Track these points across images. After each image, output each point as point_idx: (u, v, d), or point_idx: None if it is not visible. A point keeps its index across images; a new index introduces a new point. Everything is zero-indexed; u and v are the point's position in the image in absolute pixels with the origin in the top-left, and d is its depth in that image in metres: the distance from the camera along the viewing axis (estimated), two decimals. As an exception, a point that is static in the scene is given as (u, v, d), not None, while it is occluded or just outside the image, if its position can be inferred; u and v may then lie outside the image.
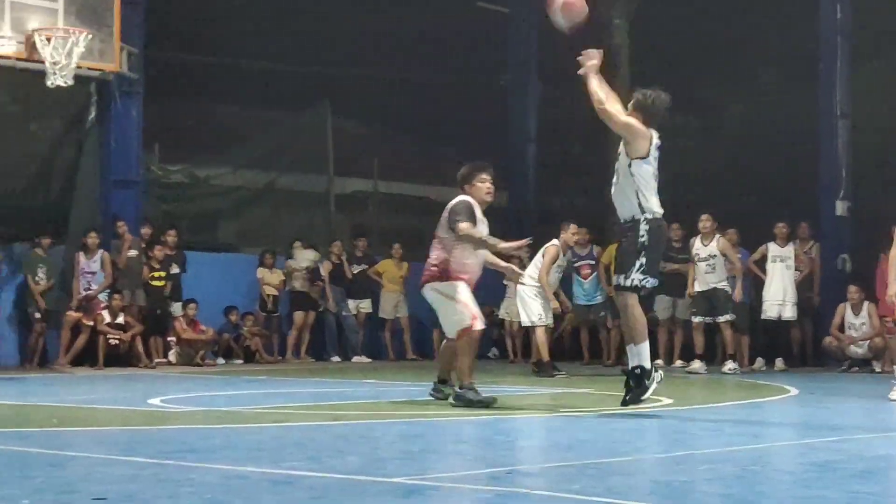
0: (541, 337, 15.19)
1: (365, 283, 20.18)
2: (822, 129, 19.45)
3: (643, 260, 8.73)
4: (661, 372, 8.97)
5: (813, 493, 5.20)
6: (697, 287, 16.46)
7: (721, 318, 16.38)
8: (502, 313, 19.65)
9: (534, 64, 23.29)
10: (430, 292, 9.84)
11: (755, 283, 17.67)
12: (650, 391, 8.76)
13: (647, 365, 8.73)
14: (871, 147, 19.29)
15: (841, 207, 19.01)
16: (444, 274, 9.73)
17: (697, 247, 16.55)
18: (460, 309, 9.59)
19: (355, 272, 20.12)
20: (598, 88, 9.17)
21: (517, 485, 5.28)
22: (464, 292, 9.63)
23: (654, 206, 8.83)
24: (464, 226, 9.57)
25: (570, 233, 15.92)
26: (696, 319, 16.70)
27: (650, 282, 8.81)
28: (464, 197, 9.87)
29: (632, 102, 9.11)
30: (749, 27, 20.89)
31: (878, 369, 16.71)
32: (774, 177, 20.03)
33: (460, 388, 9.46)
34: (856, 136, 19.24)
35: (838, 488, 5.23)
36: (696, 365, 16.39)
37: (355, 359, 19.66)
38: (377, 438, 7.61)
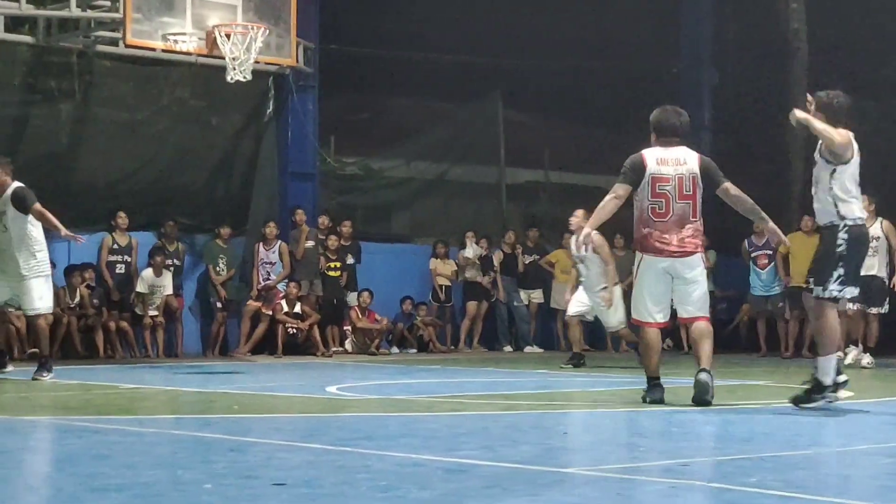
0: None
1: (537, 274, 20.18)
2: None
3: (841, 270, 8.44)
4: (837, 395, 8.62)
5: None
6: None
7: (874, 310, 15.47)
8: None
9: (707, 51, 22.94)
10: (701, 265, 8.92)
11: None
12: (815, 404, 8.48)
13: (826, 382, 8.45)
14: None
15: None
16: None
17: None
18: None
19: (527, 262, 20.15)
20: (820, 126, 8.45)
21: (693, 477, 5.22)
22: None
23: (855, 211, 8.51)
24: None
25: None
26: (853, 307, 15.07)
27: (849, 291, 8.59)
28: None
29: (814, 104, 8.70)
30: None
31: None
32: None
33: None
34: None
35: None
36: (866, 359, 15.41)
37: (527, 349, 19.67)
38: (550, 428, 7.61)
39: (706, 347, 8.70)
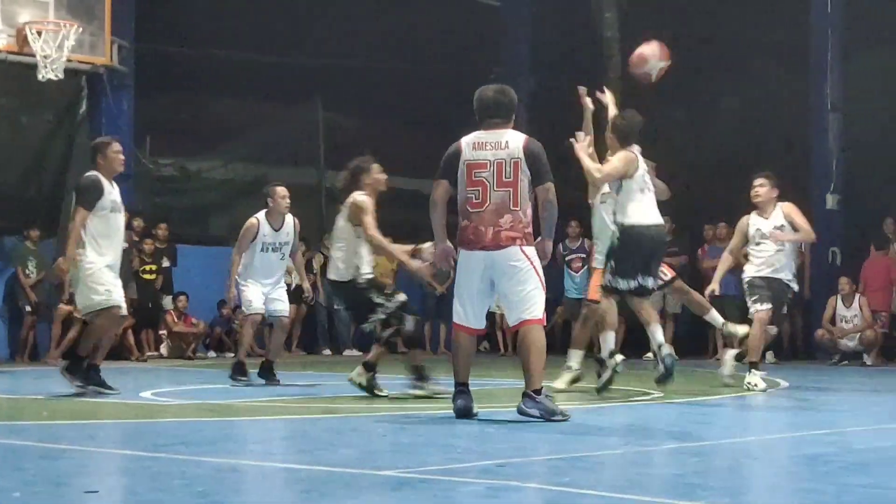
0: None
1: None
2: (814, 123, 19.48)
3: (613, 265, 10.08)
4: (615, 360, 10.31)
5: (804, 485, 5.22)
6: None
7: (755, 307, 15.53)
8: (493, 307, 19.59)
9: (526, 57, 23.29)
10: (523, 260, 7.89)
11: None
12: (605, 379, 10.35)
13: (604, 356, 10.46)
14: (863, 141, 19.33)
15: (831, 201, 19.06)
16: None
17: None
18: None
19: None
20: (590, 165, 10.21)
21: (509, 477, 5.29)
22: None
23: (633, 216, 9.94)
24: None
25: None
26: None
27: (622, 283, 10.04)
28: None
29: (609, 127, 10.38)
30: (741, 18, 20.89)
31: (868, 362, 16.75)
32: (766, 170, 20.02)
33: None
34: (848, 129, 19.27)
35: (829, 481, 5.24)
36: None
37: (346, 352, 19.65)
38: (369, 431, 7.61)
39: (532, 361, 7.76)
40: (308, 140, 22.07)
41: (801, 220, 11.57)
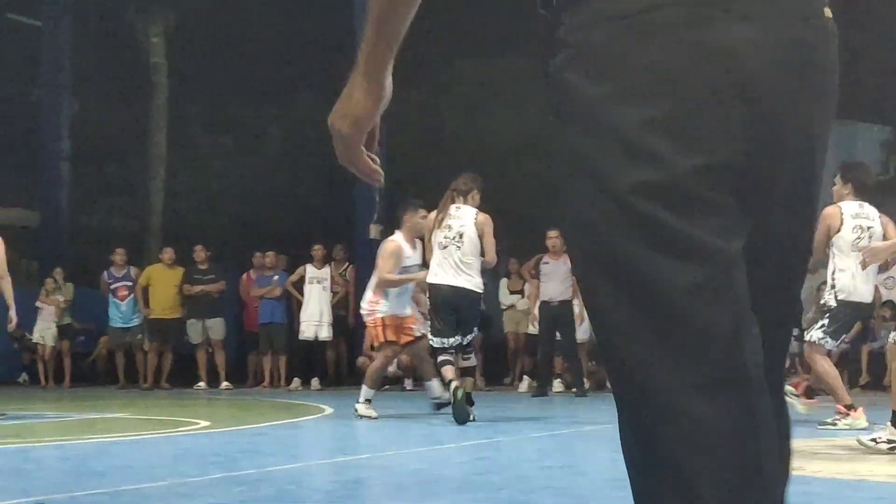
0: None
1: None
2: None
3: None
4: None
5: (347, 509, 5.30)
6: None
7: None
8: (36, 336, 18.81)
9: (67, 79, 22.56)
10: None
11: (293, 305, 17.91)
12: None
13: None
14: (404, 173, 20.07)
15: (375, 231, 19.65)
16: None
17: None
18: None
19: None
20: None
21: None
22: None
23: None
24: None
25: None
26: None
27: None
28: None
29: None
30: (287, 46, 21.19)
31: (408, 387, 17.36)
32: (312, 200, 20.45)
33: None
34: (391, 164, 19.96)
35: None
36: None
37: None
38: None
39: None
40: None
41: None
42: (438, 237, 10.13)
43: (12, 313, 11.30)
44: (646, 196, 1.69)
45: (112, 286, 18.01)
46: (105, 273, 18.12)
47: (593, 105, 1.73)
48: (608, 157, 1.72)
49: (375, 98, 1.95)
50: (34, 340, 18.93)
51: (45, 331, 18.40)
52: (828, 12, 1.82)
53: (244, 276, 18.47)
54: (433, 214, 10.35)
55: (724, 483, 1.66)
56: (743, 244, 1.74)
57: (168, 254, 18.04)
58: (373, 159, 2.03)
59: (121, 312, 18.13)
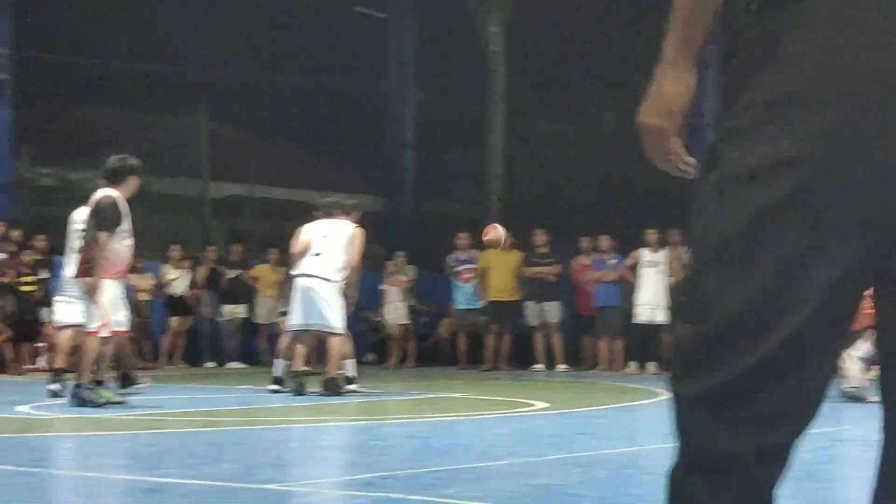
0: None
1: (240, 289, 19.99)
2: (692, 136, 19.79)
3: None
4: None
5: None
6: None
7: None
8: (384, 318, 19.58)
9: (412, 69, 23.33)
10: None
11: (628, 288, 17.90)
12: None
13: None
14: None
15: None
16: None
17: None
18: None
19: (230, 277, 19.93)
20: None
21: (392, 490, 5.28)
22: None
23: None
24: None
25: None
26: None
27: None
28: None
29: None
30: (621, 32, 21.14)
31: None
32: (648, 184, 20.34)
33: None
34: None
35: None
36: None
37: (229, 364, 19.46)
38: (251, 445, 7.55)
39: None
40: (191, 150, 21.85)
41: None
42: None
43: (353, 298, 11.78)
44: None
45: (456, 269, 18.54)
46: (449, 257, 18.69)
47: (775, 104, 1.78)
48: None
49: (686, 86, 1.96)
50: (380, 321, 19.72)
51: (391, 312, 19.13)
52: None
53: (579, 259, 18.60)
54: None
55: None
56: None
57: (506, 238, 18.37)
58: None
59: (465, 295, 18.64)
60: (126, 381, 11.41)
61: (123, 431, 8.46)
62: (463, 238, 18.72)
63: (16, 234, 17.91)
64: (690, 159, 2.05)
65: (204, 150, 21.94)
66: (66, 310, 10.98)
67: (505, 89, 21.67)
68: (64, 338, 11.05)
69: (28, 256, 17.66)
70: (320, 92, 22.73)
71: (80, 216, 10.71)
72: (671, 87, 1.96)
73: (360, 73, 23.11)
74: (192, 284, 19.34)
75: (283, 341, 12.04)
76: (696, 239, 1.89)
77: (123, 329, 10.19)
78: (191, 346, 19.69)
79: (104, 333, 9.67)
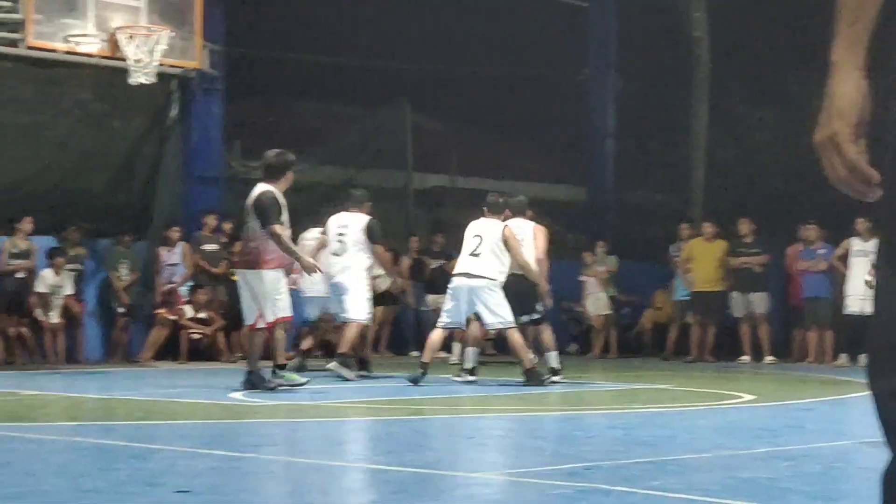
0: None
1: (444, 279, 20.17)
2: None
3: None
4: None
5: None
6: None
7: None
8: (585, 308, 19.52)
9: (613, 58, 23.17)
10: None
11: (838, 279, 17.40)
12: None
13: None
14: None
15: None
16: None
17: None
18: None
19: (434, 267, 20.14)
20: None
21: (596, 480, 5.26)
22: None
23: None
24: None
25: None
26: None
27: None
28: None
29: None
30: (829, 14, 20.54)
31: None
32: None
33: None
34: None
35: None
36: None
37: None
38: (455, 433, 7.62)
39: None
40: (395, 143, 22.14)
41: None
42: None
43: (545, 291, 11.79)
44: None
45: (676, 259, 18.49)
46: (672, 246, 18.68)
47: None
48: None
49: (855, 85, 1.84)
50: (582, 312, 19.65)
51: (592, 303, 19.05)
52: None
53: (790, 249, 18.16)
54: None
55: None
56: None
57: (709, 228, 18.12)
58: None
59: (681, 285, 18.50)
60: (363, 365, 12.15)
61: (331, 418, 8.64)
62: (684, 228, 18.71)
63: (227, 226, 18.45)
64: (872, 171, 1.89)
65: (407, 142, 22.20)
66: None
67: (708, 75, 21.31)
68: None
69: (239, 248, 18.16)
70: (521, 82, 22.77)
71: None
72: (839, 88, 1.85)
73: (561, 62, 23.06)
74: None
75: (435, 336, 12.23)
76: (883, 232, 1.79)
77: (288, 315, 10.86)
78: (396, 336, 19.99)
79: (261, 325, 10.52)
